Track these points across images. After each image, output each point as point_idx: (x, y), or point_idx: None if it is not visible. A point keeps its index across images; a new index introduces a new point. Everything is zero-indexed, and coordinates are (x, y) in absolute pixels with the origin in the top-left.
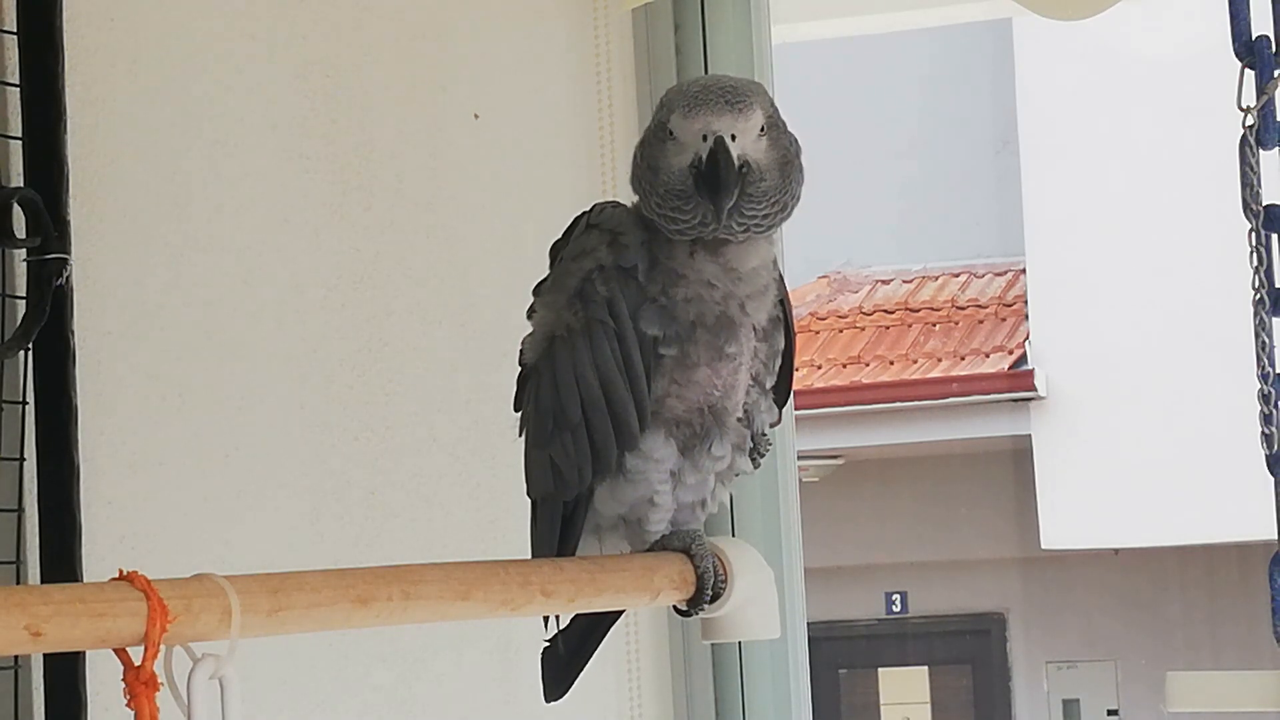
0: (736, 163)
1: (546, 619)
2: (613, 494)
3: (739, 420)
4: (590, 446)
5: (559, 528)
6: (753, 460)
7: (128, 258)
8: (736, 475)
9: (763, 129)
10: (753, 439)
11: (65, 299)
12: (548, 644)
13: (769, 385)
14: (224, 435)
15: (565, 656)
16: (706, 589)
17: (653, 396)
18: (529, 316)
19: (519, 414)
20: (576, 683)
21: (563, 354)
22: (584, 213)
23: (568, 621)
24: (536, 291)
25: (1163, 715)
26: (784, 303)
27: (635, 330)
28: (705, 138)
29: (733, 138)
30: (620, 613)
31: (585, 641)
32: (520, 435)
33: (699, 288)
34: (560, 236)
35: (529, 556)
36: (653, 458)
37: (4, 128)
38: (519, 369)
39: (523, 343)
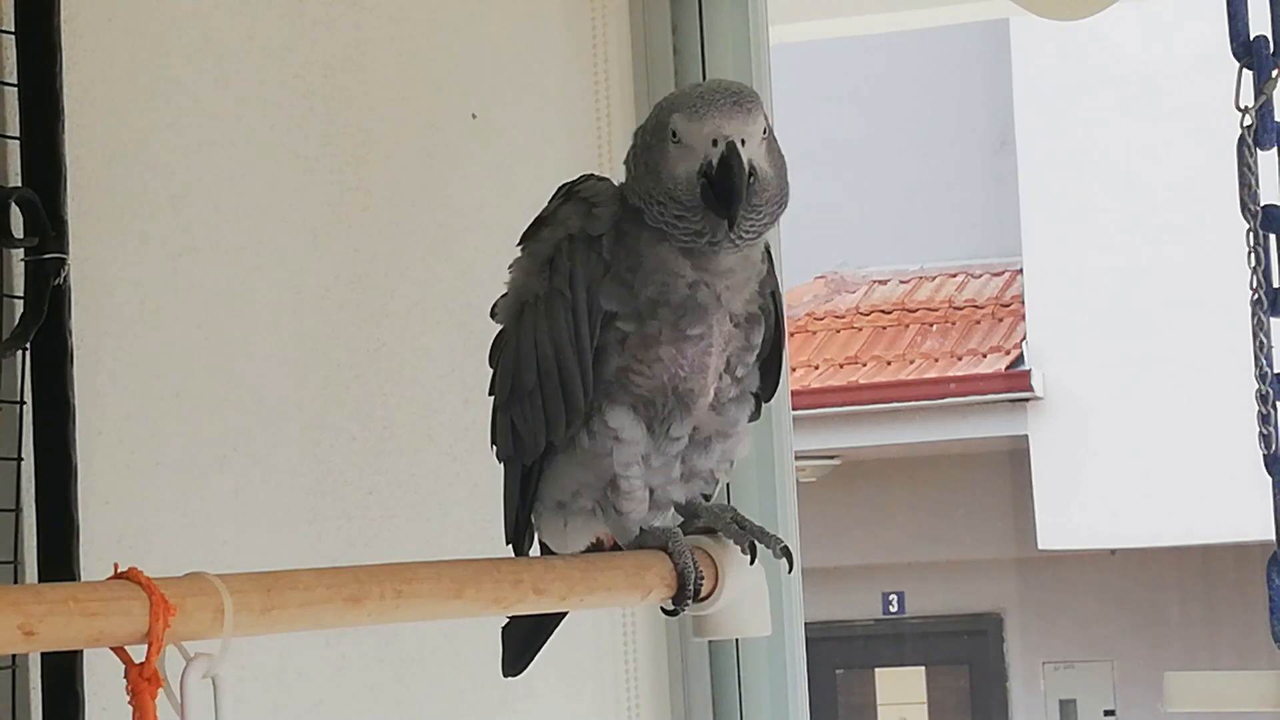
0: (746, 169)
1: None
2: (573, 467)
3: (711, 408)
4: (544, 415)
5: (519, 491)
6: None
7: (126, 258)
8: (717, 472)
9: (764, 132)
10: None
11: (63, 299)
12: (508, 620)
13: (741, 375)
14: (221, 435)
15: (525, 632)
16: (688, 586)
17: (611, 370)
18: (509, 271)
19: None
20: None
21: (527, 320)
22: (571, 180)
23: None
24: (521, 242)
25: (1160, 715)
26: (775, 295)
27: (593, 304)
28: (715, 142)
29: (742, 142)
30: None
31: (544, 618)
32: (489, 394)
33: (664, 274)
34: (548, 202)
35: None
36: (620, 436)
37: (2, 127)
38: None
39: (497, 301)
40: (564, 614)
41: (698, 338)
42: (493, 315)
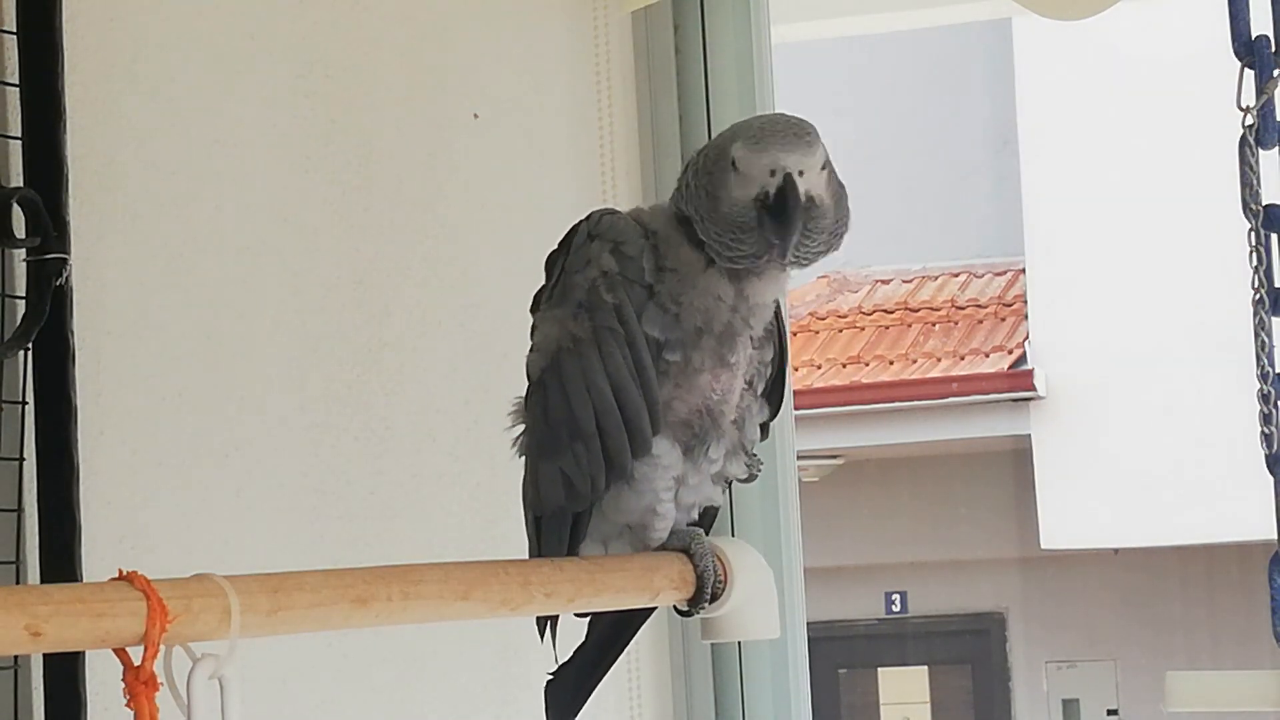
0: (803, 199)
1: (542, 631)
2: (619, 503)
3: (732, 423)
4: (604, 454)
5: (568, 541)
6: (750, 476)
7: (128, 258)
8: (728, 481)
9: (824, 164)
10: (745, 452)
11: (65, 299)
12: (551, 676)
13: (760, 391)
14: (224, 435)
15: (571, 688)
16: (706, 588)
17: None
18: (531, 335)
19: (516, 432)
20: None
21: (571, 364)
22: (581, 222)
23: (571, 654)
24: (534, 307)
25: (1162, 715)
26: (778, 314)
27: (647, 333)
28: (773, 173)
29: (800, 174)
30: (625, 645)
31: (591, 672)
32: (520, 454)
33: (707, 299)
34: (556, 248)
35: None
36: (660, 463)
37: (4, 128)
38: (526, 386)
39: (527, 361)
40: (610, 666)
41: (731, 364)
42: (528, 375)
